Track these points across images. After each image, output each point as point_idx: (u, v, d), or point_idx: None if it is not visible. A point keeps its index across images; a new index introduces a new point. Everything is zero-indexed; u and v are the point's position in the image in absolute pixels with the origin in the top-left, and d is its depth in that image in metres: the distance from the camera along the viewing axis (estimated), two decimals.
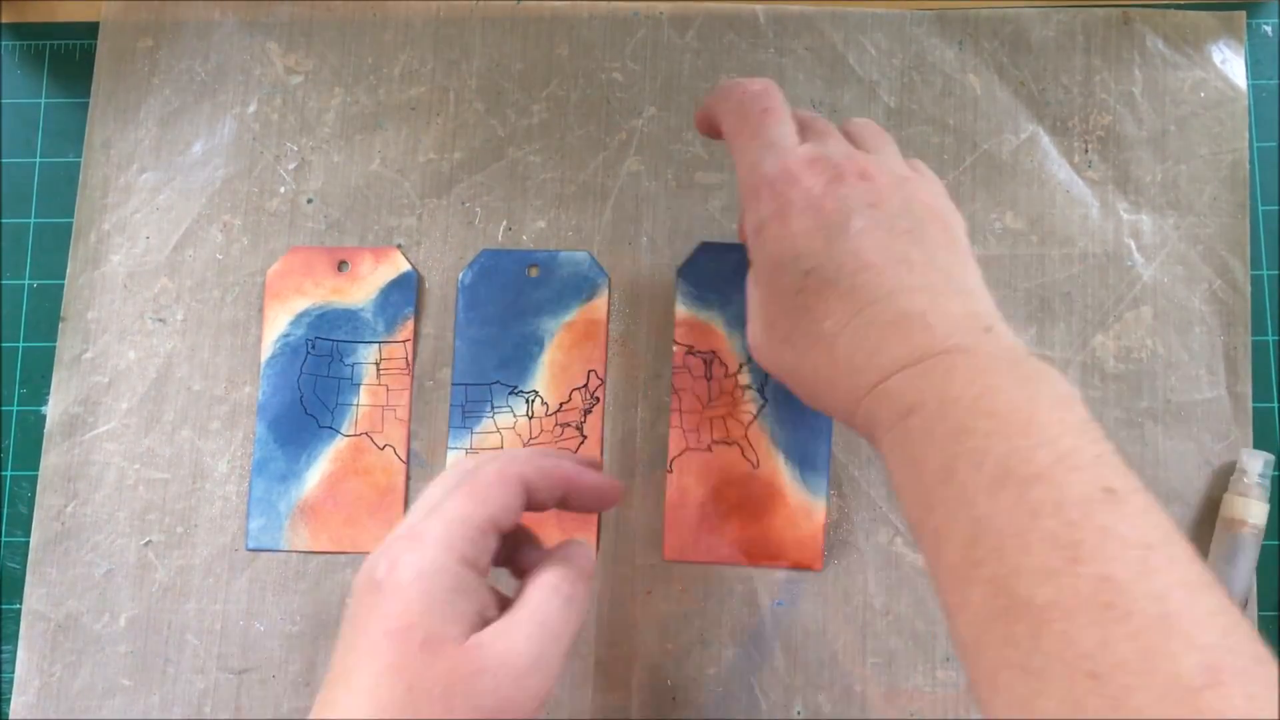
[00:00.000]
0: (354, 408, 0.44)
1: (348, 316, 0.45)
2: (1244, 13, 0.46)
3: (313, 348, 0.45)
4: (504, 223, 0.46)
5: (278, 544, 0.43)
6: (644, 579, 0.43)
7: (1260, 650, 0.22)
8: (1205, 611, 0.22)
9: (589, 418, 0.44)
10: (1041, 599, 0.23)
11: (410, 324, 0.44)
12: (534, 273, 0.45)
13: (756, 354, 0.35)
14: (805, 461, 0.43)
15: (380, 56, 0.47)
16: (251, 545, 0.43)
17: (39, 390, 0.46)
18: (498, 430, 0.44)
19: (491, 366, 0.44)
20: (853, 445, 0.43)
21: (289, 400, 0.44)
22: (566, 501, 0.34)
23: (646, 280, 0.45)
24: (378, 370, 0.44)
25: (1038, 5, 0.46)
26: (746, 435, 0.43)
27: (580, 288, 0.45)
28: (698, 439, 0.43)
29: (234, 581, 0.43)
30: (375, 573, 0.29)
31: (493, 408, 0.44)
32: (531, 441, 0.44)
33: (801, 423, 0.43)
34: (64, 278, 0.46)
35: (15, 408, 0.46)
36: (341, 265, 0.45)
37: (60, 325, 0.46)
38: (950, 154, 0.45)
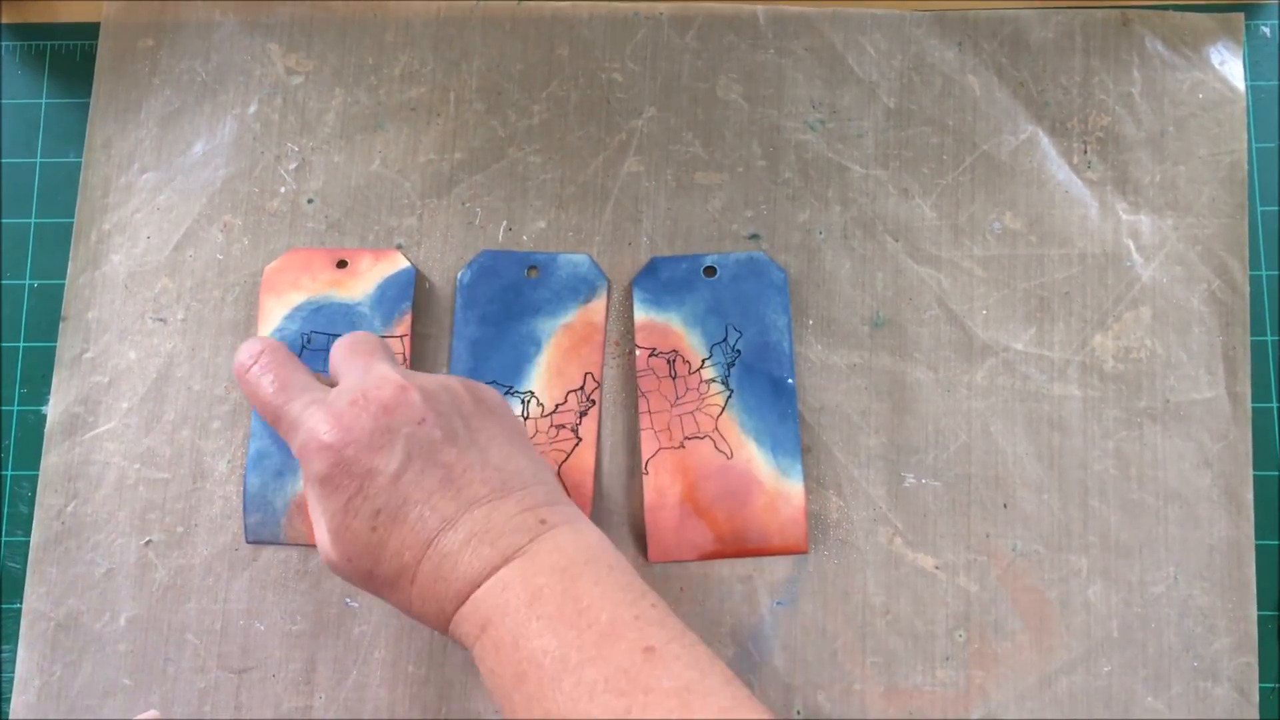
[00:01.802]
0: None
1: (344, 311, 0.45)
2: (1242, 14, 0.46)
3: (308, 342, 0.45)
4: (504, 223, 0.46)
5: (277, 537, 0.43)
6: (643, 580, 0.43)
7: None
8: None
9: (584, 420, 0.44)
10: None
11: (408, 318, 0.44)
12: (533, 274, 0.45)
13: (336, 571, 0.34)
14: (777, 446, 0.43)
15: (381, 57, 0.47)
16: (250, 539, 0.43)
17: (39, 390, 0.46)
18: None
19: (488, 367, 0.44)
20: (851, 446, 0.43)
21: None
22: None
23: None
24: None
25: (1037, 6, 0.46)
26: (717, 427, 0.43)
27: (579, 290, 0.45)
28: (669, 437, 0.43)
29: (234, 581, 0.43)
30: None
31: None
32: None
33: (769, 408, 0.43)
34: (64, 278, 0.46)
35: (16, 407, 0.46)
36: (340, 264, 0.45)
37: (61, 325, 0.46)
38: (950, 154, 0.45)
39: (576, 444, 0.43)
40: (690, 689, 0.28)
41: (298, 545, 0.43)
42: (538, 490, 0.34)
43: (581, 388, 0.44)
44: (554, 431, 0.44)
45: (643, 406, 0.43)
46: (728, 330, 0.44)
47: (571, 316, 0.45)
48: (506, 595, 0.31)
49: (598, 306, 0.45)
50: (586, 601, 0.30)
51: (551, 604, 0.30)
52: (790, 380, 0.43)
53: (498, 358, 0.44)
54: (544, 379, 0.44)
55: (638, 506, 0.43)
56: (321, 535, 0.33)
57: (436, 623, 0.33)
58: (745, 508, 0.42)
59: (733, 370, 0.43)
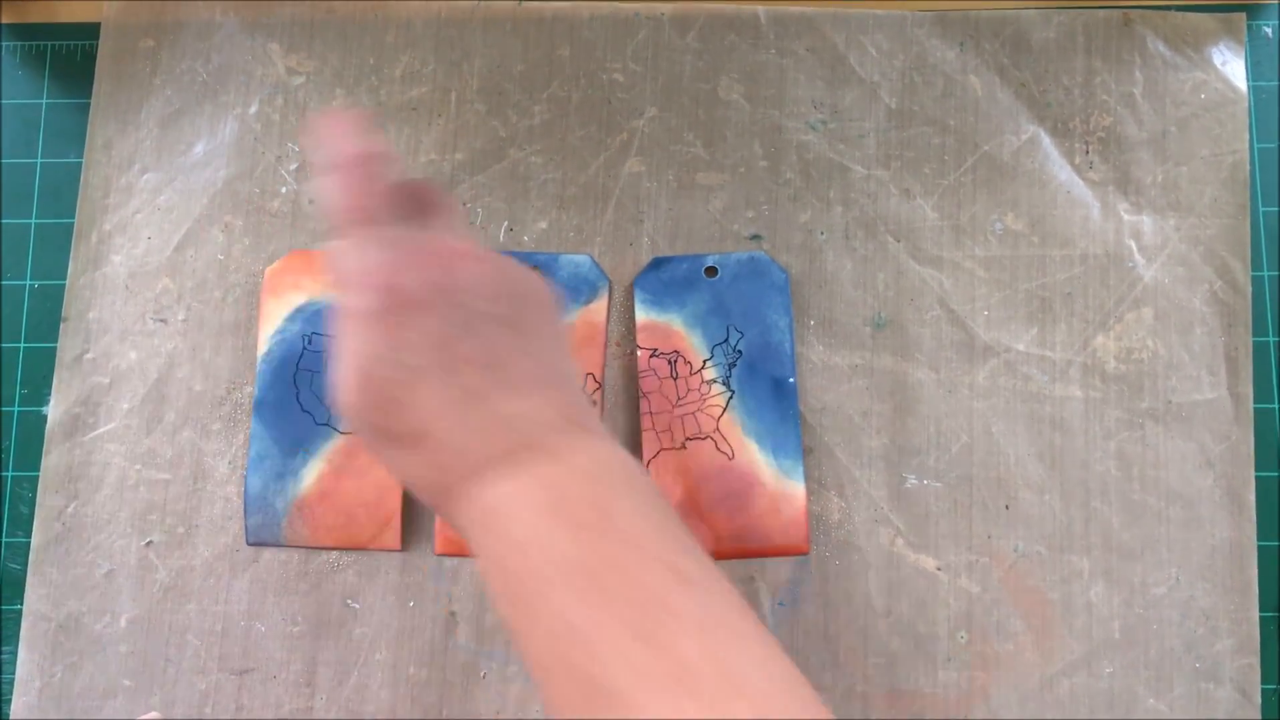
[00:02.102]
0: None
1: None
2: (1244, 15, 0.46)
3: (309, 343, 0.45)
4: (505, 223, 0.46)
5: (278, 539, 0.43)
6: None
7: (810, 700, 0.26)
8: (765, 676, 0.25)
9: None
10: (622, 683, 0.25)
11: None
12: None
13: (346, 413, 0.31)
14: (778, 447, 0.43)
15: (381, 57, 0.47)
16: (251, 541, 0.43)
17: (40, 391, 0.46)
18: None
19: None
20: (853, 447, 0.43)
21: (285, 397, 0.44)
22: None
23: None
24: None
25: (1039, 6, 0.46)
26: (719, 428, 0.43)
27: (580, 291, 0.45)
28: (670, 438, 0.43)
29: (235, 582, 0.43)
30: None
31: None
32: None
33: (771, 409, 0.43)
34: (65, 278, 0.46)
35: (16, 408, 0.46)
36: None
37: (61, 326, 0.46)
38: (951, 155, 0.45)
39: None
40: (722, 625, 0.26)
41: (298, 548, 0.43)
42: (579, 397, 0.32)
43: (583, 388, 0.44)
44: None
45: (644, 407, 0.43)
46: (729, 331, 0.44)
47: (573, 317, 0.45)
48: (532, 486, 0.28)
49: (599, 307, 0.44)
50: (617, 511, 0.28)
51: (579, 507, 0.28)
52: (792, 381, 0.43)
53: None
54: None
55: None
56: (344, 373, 0.30)
57: (433, 496, 0.30)
58: (747, 509, 0.42)
59: (734, 371, 0.43)
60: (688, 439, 0.43)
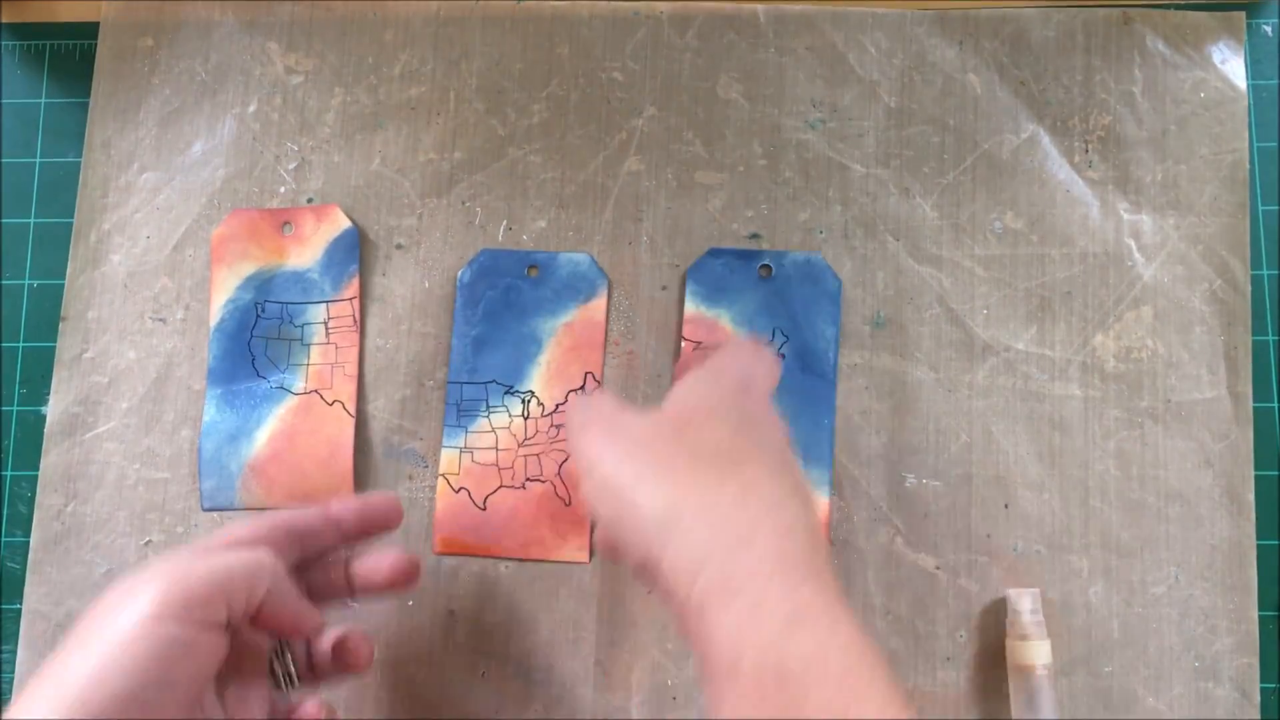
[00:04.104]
0: (305, 367, 0.44)
1: (296, 279, 0.45)
2: (1244, 13, 0.46)
3: (262, 311, 0.45)
4: (504, 222, 0.46)
5: (232, 503, 0.43)
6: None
7: None
8: None
9: None
10: None
11: (355, 281, 0.45)
12: (533, 273, 0.45)
13: (593, 500, 0.31)
14: (808, 455, 0.43)
15: (380, 56, 0.47)
16: (207, 506, 0.43)
17: (39, 390, 0.46)
18: (493, 430, 0.44)
19: (489, 366, 0.44)
20: (853, 445, 0.43)
21: (239, 363, 0.44)
22: (356, 532, 0.37)
23: (647, 280, 0.45)
24: (326, 329, 0.45)
25: (1038, 5, 0.46)
26: None
27: (579, 289, 0.45)
28: None
29: None
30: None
31: (488, 407, 0.44)
32: (526, 442, 0.44)
33: (805, 416, 0.43)
34: (64, 277, 0.46)
35: (15, 407, 0.46)
36: (285, 227, 0.45)
37: (60, 325, 0.46)
38: (950, 154, 0.45)
39: None
40: None
41: (253, 509, 0.43)
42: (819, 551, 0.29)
43: (582, 387, 0.44)
44: (554, 431, 0.44)
45: None
46: (775, 333, 0.44)
47: (572, 315, 0.45)
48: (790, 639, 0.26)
49: (598, 305, 0.44)
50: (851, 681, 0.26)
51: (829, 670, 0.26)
52: (831, 391, 0.43)
53: (498, 357, 0.44)
54: (544, 378, 0.44)
55: None
56: (606, 479, 0.30)
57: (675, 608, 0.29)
58: None
59: None
60: None
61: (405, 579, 0.37)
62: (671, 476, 0.29)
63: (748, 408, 0.32)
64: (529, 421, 0.44)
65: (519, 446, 0.43)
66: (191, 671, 0.30)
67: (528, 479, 0.43)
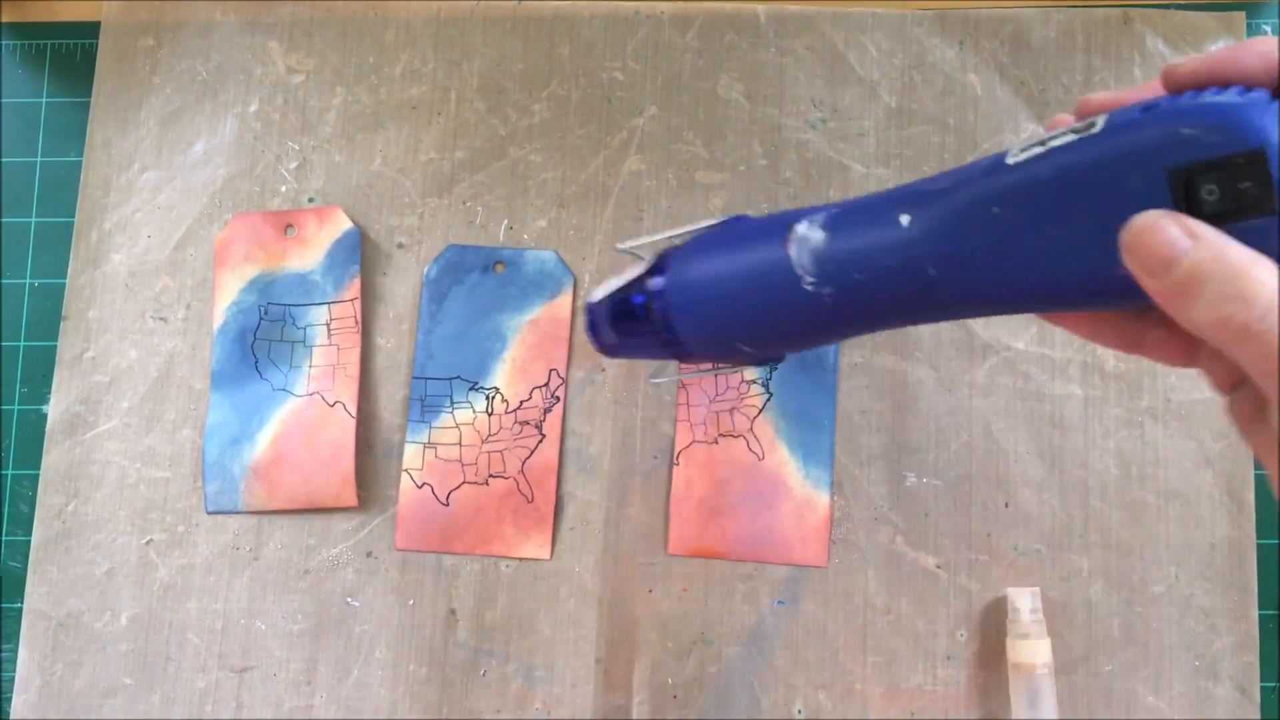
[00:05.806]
0: (307, 369, 0.44)
1: (298, 281, 0.45)
2: (1243, 13, 0.46)
3: (265, 314, 0.45)
4: (505, 222, 0.46)
5: (235, 506, 0.43)
6: (645, 578, 0.43)
7: None
8: None
9: (549, 416, 0.44)
10: None
11: (357, 282, 0.45)
12: (500, 269, 0.45)
13: None
14: (809, 455, 0.43)
15: (381, 56, 0.47)
16: (211, 509, 0.43)
17: (40, 389, 0.46)
18: (456, 426, 0.44)
19: (453, 362, 0.44)
20: (853, 445, 0.43)
21: (243, 366, 0.44)
22: None
23: None
24: (328, 330, 0.45)
25: (1038, 5, 0.46)
26: (752, 428, 0.43)
27: (545, 286, 0.45)
28: (704, 432, 0.43)
29: (235, 580, 0.43)
30: None
31: (452, 403, 0.44)
32: (490, 438, 0.44)
33: (806, 416, 0.43)
34: (65, 277, 0.46)
35: (16, 407, 0.46)
36: (288, 229, 0.45)
37: (61, 324, 0.46)
38: (951, 153, 0.45)
39: (540, 440, 0.44)
40: None
41: (255, 514, 0.43)
42: None
43: (546, 384, 0.44)
44: (518, 428, 0.44)
45: (681, 399, 0.43)
46: None
47: (538, 312, 0.45)
48: None
49: (564, 303, 0.45)
50: None
51: None
52: (832, 391, 0.43)
53: (462, 353, 0.44)
54: (509, 375, 0.44)
55: (649, 502, 0.43)
56: None
57: None
58: (770, 511, 0.42)
59: (775, 374, 0.44)
60: (721, 434, 0.43)
61: None
62: None
63: None
64: (492, 418, 0.44)
65: (483, 443, 0.44)
66: None
67: (491, 475, 0.43)
